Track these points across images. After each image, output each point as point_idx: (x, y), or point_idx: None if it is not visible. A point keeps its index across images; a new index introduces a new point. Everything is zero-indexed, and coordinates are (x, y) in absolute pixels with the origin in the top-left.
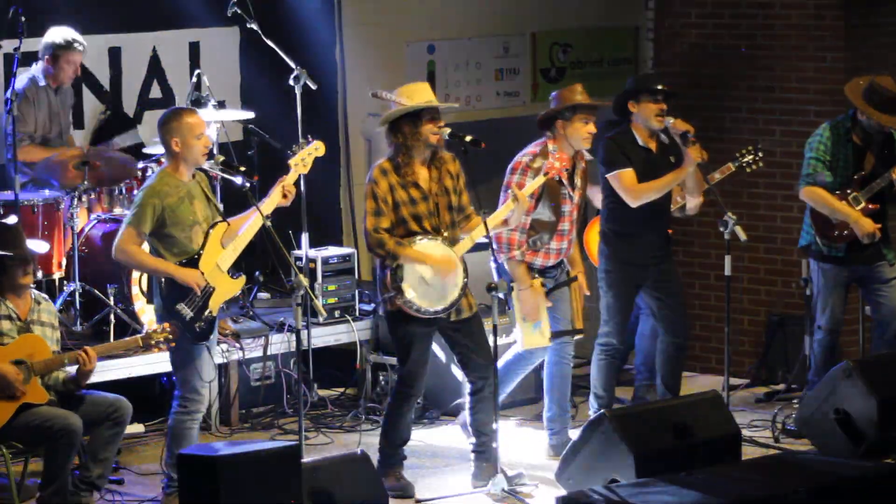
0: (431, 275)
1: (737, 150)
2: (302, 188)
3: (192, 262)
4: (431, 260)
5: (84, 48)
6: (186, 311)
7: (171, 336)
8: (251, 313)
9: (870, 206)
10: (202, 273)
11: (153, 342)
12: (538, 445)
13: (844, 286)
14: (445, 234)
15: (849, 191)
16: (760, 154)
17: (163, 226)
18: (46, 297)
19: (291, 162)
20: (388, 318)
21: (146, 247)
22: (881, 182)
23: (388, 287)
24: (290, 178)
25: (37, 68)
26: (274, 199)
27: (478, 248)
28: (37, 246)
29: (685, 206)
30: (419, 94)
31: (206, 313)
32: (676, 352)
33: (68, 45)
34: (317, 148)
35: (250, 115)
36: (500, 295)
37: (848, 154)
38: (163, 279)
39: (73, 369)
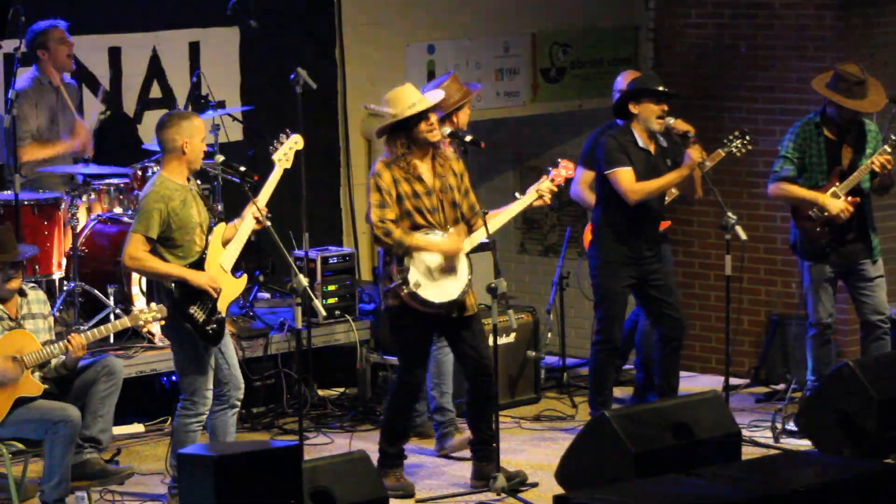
0: (438, 268)
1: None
2: (302, 188)
3: (198, 264)
4: (438, 248)
5: (63, 27)
6: (199, 313)
7: (158, 315)
8: (251, 313)
9: (849, 200)
10: (211, 275)
11: (141, 321)
12: (538, 445)
13: (831, 282)
14: (451, 230)
15: (828, 186)
16: (748, 138)
17: (168, 230)
18: (33, 284)
19: (275, 158)
20: (390, 313)
21: None
22: (858, 175)
23: (394, 278)
24: (275, 176)
25: (38, 68)
26: (248, 224)
27: (477, 247)
28: (26, 250)
29: (682, 196)
30: (402, 101)
31: (216, 315)
32: (673, 351)
33: (52, 28)
34: (296, 142)
35: (249, 108)
36: (500, 294)
37: (820, 149)
38: (173, 284)
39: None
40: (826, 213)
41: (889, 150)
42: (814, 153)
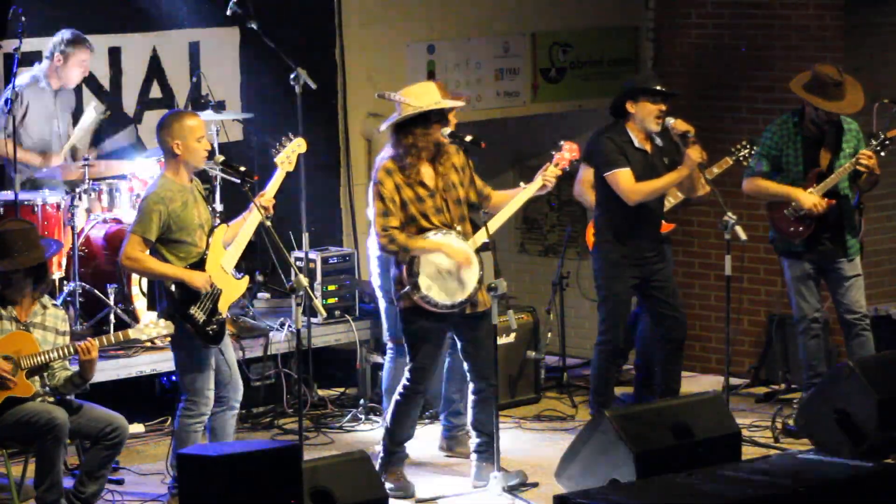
0: (447, 268)
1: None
2: (302, 188)
3: (199, 265)
4: (447, 248)
5: (93, 50)
6: (199, 314)
7: (164, 331)
8: (251, 313)
9: (825, 202)
10: (209, 275)
11: (144, 336)
12: (538, 445)
13: (812, 277)
14: (458, 228)
15: (806, 186)
16: (755, 148)
17: (169, 231)
18: (58, 303)
19: (277, 160)
20: (402, 315)
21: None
22: (836, 177)
23: (404, 282)
24: (271, 188)
25: (40, 68)
26: (255, 216)
27: (478, 247)
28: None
29: (688, 199)
30: (427, 96)
31: (217, 316)
32: (674, 351)
33: (80, 43)
34: (299, 145)
35: (249, 116)
36: (500, 294)
37: (797, 149)
38: (172, 285)
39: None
40: (800, 210)
41: (876, 144)
42: (790, 152)
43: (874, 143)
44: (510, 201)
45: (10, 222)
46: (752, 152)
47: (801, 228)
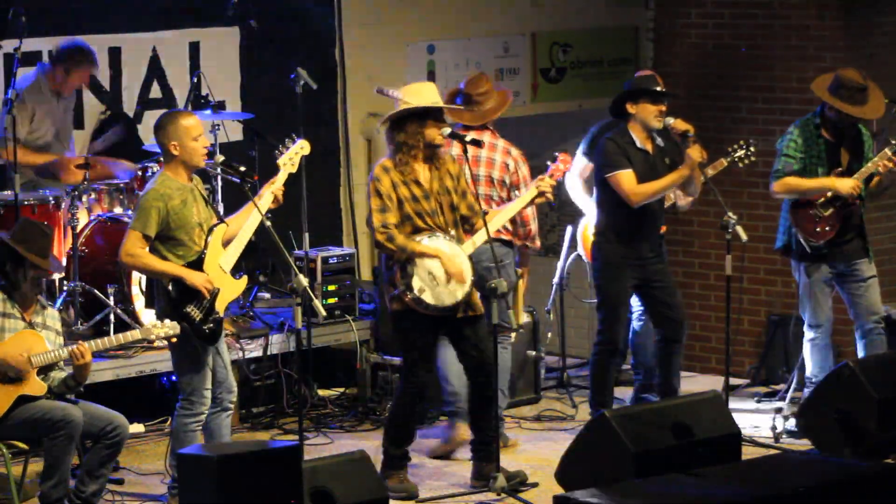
0: (441, 271)
1: None
2: (302, 188)
3: (197, 264)
4: (444, 257)
5: (97, 63)
6: (196, 313)
7: (171, 332)
8: (251, 313)
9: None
10: (207, 275)
11: (153, 337)
12: (538, 445)
13: (827, 283)
14: (452, 231)
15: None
16: (752, 149)
17: (167, 228)
18: (52, 304)
19: (280, 162)
20: (394, 317)
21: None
22: (859, 177)
23: (397, 283)
24: (279, 180)
25: (42, 73)
26: (266, 201)
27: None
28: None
29: (675, 203)
30: (426, 95)
31: (214, 315)
32: (673, 352)
33: (84, 59)
34: (302, 147)
35: (249, 116)
36: (500, 294)
37: (820, 151)
38: (170, 283)
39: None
40: (828, 212)
41: (890, 153)
42: (814, 154)
43: (894, 143)
44: (502, 211)
45: (44, 224)
46: (749, 152)
47: (826, 228)
